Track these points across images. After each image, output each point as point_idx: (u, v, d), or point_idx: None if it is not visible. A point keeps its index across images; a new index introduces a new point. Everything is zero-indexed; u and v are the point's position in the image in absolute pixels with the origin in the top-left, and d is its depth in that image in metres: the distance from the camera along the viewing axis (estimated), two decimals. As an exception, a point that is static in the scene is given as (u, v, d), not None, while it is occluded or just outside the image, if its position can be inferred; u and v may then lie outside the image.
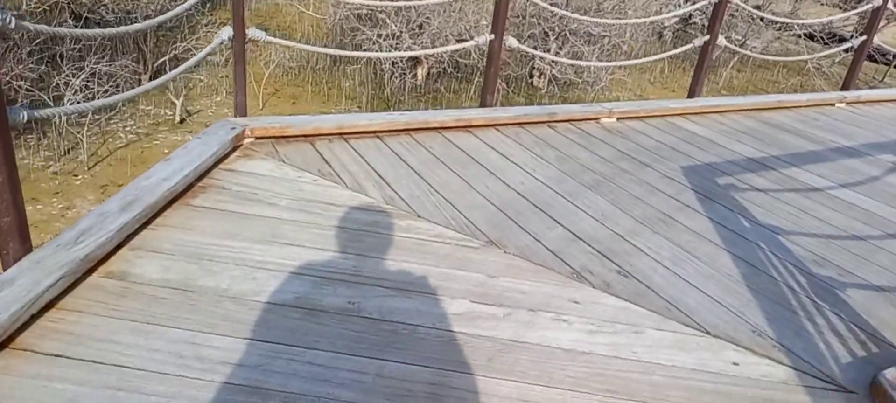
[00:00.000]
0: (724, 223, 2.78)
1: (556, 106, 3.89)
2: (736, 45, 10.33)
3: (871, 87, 9.74)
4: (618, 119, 3.91)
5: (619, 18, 8.18)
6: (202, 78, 7.26)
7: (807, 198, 3.11)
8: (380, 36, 7.37)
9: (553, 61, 7.99)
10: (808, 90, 10.43)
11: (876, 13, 4.82)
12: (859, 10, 5.32)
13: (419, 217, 2.56)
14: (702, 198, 3.00)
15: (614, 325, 2.01)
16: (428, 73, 7.88)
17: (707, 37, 4.13)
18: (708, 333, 2.02)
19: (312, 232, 2.33)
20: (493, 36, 3.51)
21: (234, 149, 2.87)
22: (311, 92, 7.52)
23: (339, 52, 3.87)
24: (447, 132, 3.46)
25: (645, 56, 10.50)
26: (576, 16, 4.27)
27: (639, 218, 2.76)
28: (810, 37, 10.97)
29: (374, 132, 3.33)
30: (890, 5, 4.93)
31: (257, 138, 3.01)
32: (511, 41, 3.57)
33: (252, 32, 2.96)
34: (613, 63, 4.62)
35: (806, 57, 5.73)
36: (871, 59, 10.18)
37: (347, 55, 6.24)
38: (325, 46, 8.25)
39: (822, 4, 11.51)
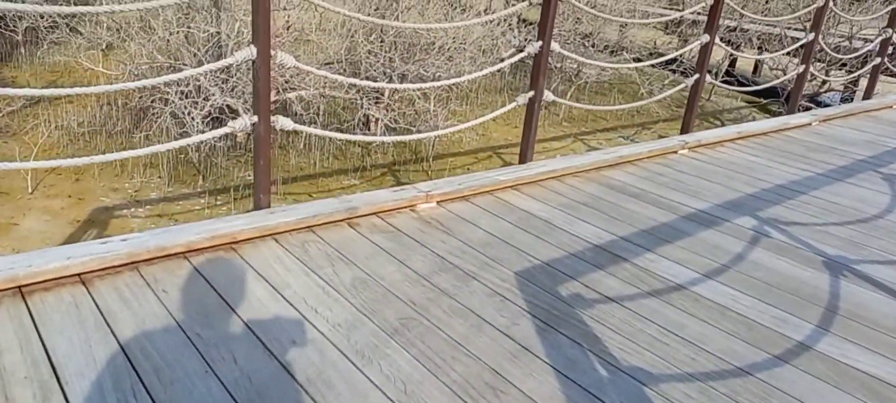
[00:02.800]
0: (573, 375, 1.92)
1: (359, 196, 2.91)
2: (570, 75, 10.07)
3: (703, 118, 9.79)
4: (438, 202, 3.00)
5: (452, 60, 7.47)
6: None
7: (670, 306, 2.35)
8: (182, 93, 6.06)
9: (387, 106, 7.09)
10: (643, 115, 10.39)
11: (705, 49, 4.36)
12: (689, 46, 4.88)
13: (86, 466, 1.44)
14: (543, 330, 2.13)
15: None
16: (249, 129, 6.66)
17: (531, 93, 3.36)
18: None
19: None
20: (256, 119, 2.46)
21: None
22: (102, 163, 6.02)
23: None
24: (198, 256, 2.36)
25: (484, 90, 9.94)
26: (403, 87, 3.36)
27: (458, 386, 1.83)
28: (638, 60, 11.02)
29: (75, 276, 2.15)
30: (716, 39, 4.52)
31: None
32: (284, 122, 2.54)
33: None
34: (442, 131, 3.76)
35: (646, 101, 5.27)
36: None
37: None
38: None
39: (651, 27, 11.64)
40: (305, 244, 2.54)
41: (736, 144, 4.44)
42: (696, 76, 4.37)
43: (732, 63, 11.63)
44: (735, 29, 9.90)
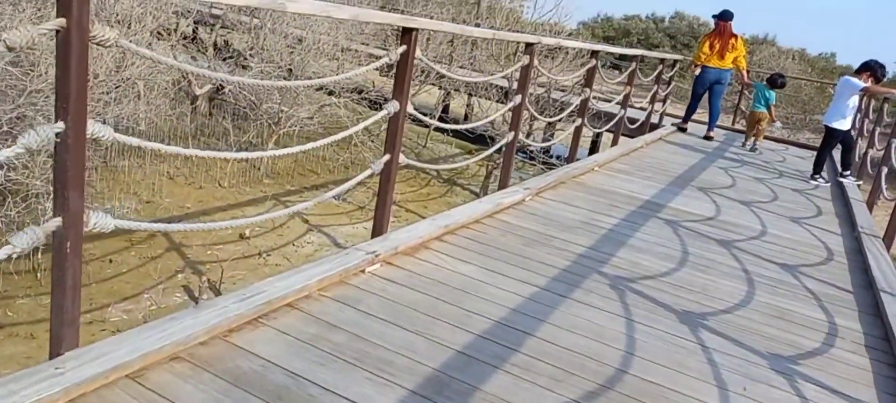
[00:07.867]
0: None
1: None
2: (271, 122, 8.41)
3: (419, 169, 8.86)
4: None
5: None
6: None
7: None
8: None
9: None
10: (357, 164, 9.15)
11: (396, 121, 3.12)
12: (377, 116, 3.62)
13: None
14: None
15: None
16: None
17: (57, 221, 1.63)
18: None
19: None
20: None
21: None
22: None
23: None
24: None
25: (172, 131, 7.71)
26: None
27: None
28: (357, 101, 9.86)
29: None
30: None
31: None
32: None
33: None
34: None
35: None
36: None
37: None
38: None
39: (357, 63, 10.57)
40: None
41: (442, 243, 3.27)
42: (386, 157, 3.10)
43: (445, 108, 11.25)
44: (444, 76, 9.35)
